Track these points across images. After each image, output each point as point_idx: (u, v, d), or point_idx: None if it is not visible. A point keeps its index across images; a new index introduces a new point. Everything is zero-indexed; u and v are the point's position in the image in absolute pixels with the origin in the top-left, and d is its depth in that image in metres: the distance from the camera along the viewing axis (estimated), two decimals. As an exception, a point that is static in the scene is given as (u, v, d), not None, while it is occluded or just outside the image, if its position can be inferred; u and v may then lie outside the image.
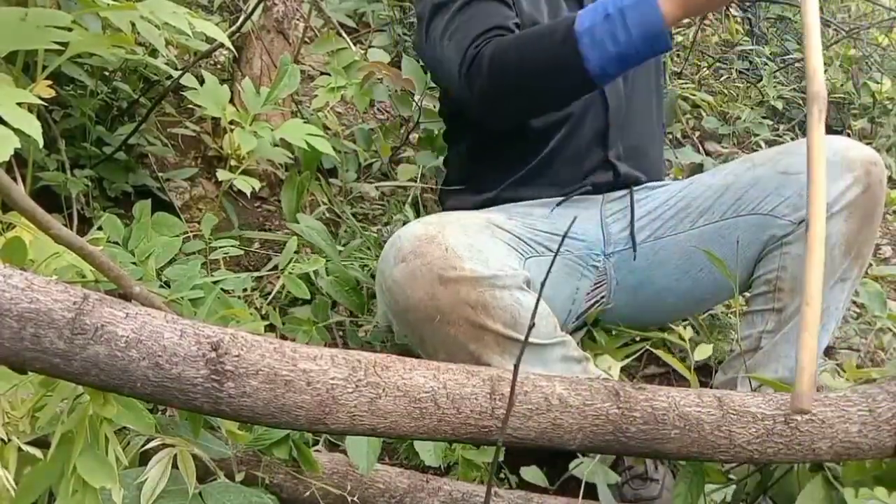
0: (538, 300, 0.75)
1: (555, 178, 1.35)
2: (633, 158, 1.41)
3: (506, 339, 1.09)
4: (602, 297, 1.38)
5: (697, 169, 2.21)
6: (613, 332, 1.44)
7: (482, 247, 1.09)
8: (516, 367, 0.77)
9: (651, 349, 1.34)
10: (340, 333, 1.50)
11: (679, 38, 3.03)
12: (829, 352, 1.68)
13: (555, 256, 0.79)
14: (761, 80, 2.94)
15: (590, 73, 1.09)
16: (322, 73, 2.16)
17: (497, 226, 1.21)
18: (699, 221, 1.33)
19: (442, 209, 1.60)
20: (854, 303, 1.34)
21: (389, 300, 1.09)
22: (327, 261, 1.45)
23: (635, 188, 1.39)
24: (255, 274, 1.49)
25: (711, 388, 1.23)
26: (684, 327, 1.17)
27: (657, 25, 1.02)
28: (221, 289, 1.24)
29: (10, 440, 0.77)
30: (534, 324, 0.75)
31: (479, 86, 1.19)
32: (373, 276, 1.59)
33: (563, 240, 0.79)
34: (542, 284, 0.77)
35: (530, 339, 1.10)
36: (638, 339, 1.41)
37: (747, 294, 1.39)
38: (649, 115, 1.45)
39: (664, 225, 1.36)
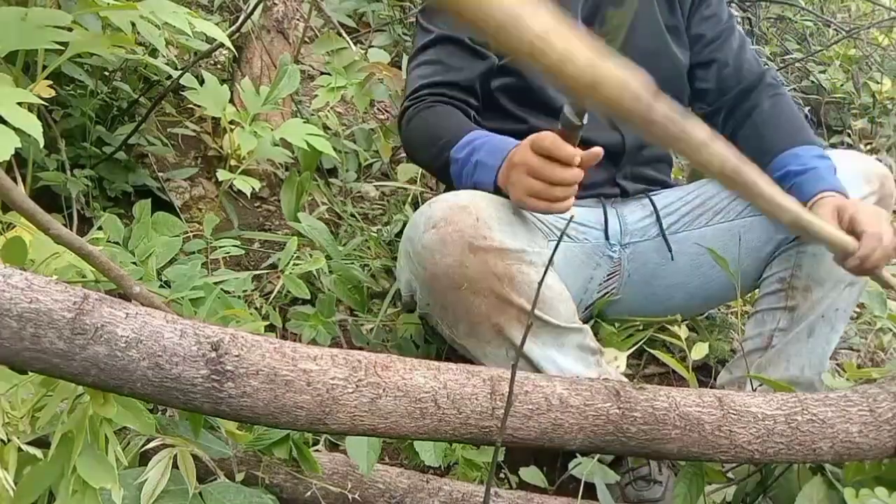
0: (545, 273, 0.78)
1: None
2: (642, 179, 1.43)
3: (528, 314, 1.09)
4: (613, 289, 1.40)
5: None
6: (617, 326, 1.44)
7: (511, 220, 1.11)
8: (514, 366, 0.77)
9: (649, 350, 1.34)
10: (343, 331, 1.50)
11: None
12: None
13: (559, 239, 0.83)
14: (761, 79, 2.94)
15: (457, 185, 1.20)
16: (322, 73, 2.16)
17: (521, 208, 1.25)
18: (714, 220, 1.36)
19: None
20: (855, 306, 1.35)
21: (417, 267, 1.09)
22: (329, 259, 1.45)
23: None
24: (255, 272, 1.49)
25: (713, 387, 1.23)
26: (679, 326, 1.17)
27: (489, 189, 1.13)
28: (222, 289, 1.24)
29: (10, 440, 0.76)
30: (536, 316, 0.76)
31: (401, 137, 1.37)
32: (373, 276, 1.59)
33: (566, 227, 0.88)
34: (550, 260, 0.79)
35: (550, 320, 1.13)
36: (641, 327, 1.42)
37: (753, 294, 1.40)
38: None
39: (679, 221, 1.38)
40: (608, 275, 1.38)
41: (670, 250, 1.37)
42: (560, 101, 1.30)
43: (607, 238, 1.36)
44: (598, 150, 1.03)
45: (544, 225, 1.25)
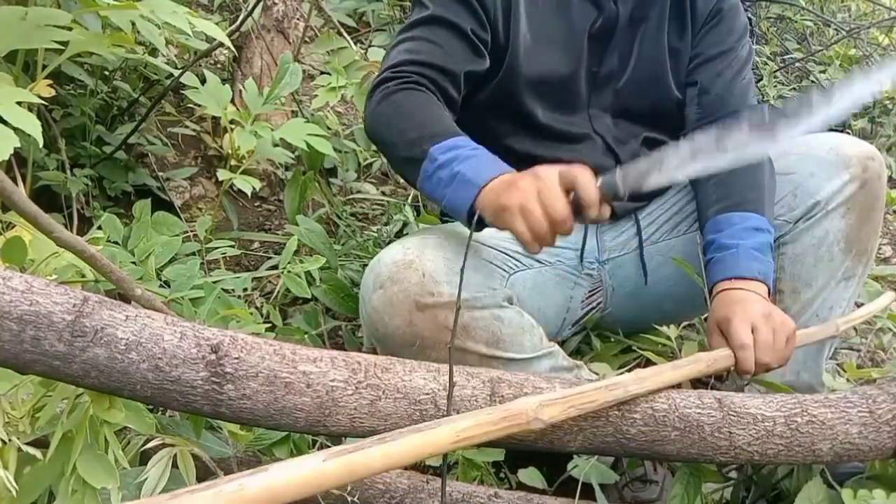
0: (459, 287, 0.74)
1: None
2: (633, 198, 1.36)
3: (489, 359, 1.08)
4: (599, 304, 1.37)
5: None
6: (612, 339, 1.43)
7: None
8: (451, 368, 0.77)
9: (641, 352, 1.32)
10: (339, 338, 1.50)
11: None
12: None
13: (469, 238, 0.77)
14: (761, 79, 2.94)
15: (418, 186, 1.11)
16: (322, 73, 2.15)
17: (482, 243, 1.18)
18: (694, 227, 1.31)
19: (440, 211, 1.60)
20: (854, 303, 1.33)
21: (370, 327, 1.08)
22: (322, 268, 1.44)
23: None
24: (255, 274, 1.49)
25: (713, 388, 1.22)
26: (670, 326, 1.16)
27: (462, 209, 1.02)
28: (222, 289, 1.24)
29: (10, 440, 0.76)
30: (460, 306, 0.78)
31: (365, 113, 1.21)
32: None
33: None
34: (462, 271, 0.78)
35: (514, 356, 1.10)
36: (635, 347, 1.40)
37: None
38: None
39: (660, 230, 1.35)
40: (590, 292, 1.35)
41: (646, 274, 1.33)
42: (543, 120, 1.26)
43: (582, 259, 1.32)
44: (607, 216, 0.95)
45: (509, 257, 1.21)
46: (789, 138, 0.87)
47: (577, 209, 0.92)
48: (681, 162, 0.90)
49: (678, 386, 0.90)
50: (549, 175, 0.94)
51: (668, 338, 1.13)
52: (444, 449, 0.65)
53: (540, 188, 0.93)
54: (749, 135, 0.87)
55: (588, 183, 0.92)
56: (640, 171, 0.92)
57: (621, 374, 0.99)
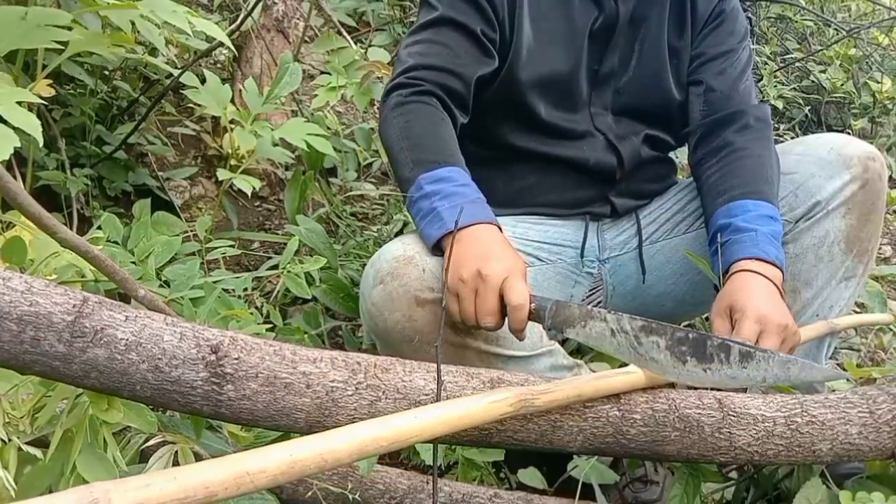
0: (444, 281, 0.75)
1: (550, 203, 1.33)
2: (637, 195, 1.38)
3: (488, 355, 1.08)
4: (599, 302, 1.37)
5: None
6: None
7: None
8: (438, 364, 0.78)
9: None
10: (339, 338, 1.50)
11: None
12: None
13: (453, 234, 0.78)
14: (761, 79, 2.94)
15: (405, 203, 1.14)
16: (322, 73, 2.15)
17: None
18: (695, 225, 1.32)
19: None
20: (854, 302, 1.32)
21: (370, 322, 1.08)
22: (322, 268, 1.44)
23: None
24: (255, 274, 1.49)
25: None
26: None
27: (429, 243, 1.06)
28: (222, 288, 1.24)
29: (10, 440, 0.76)
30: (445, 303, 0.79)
31: (380, 117, 1.24)
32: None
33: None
34: (445, 270, 0.79)
35: (514, 353, 1.10)
36: None
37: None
38: (662, 162, 1.41)
39: (660, 229, 1.35)
40: (590, 290, 1.35)
41: (644, 273, 1.34)
42: (545, 118, 1.26)
43: (582, 257, 1.33)
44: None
45: None
46: (697, 378, 0.84)
47: (506, 309, 0.96)
48: (600, 333, 0.91)
49: (673, 385, 0.90)
50: (492, 282, 0.97)
51: None
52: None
53: (479, 289, 0.97)
54: (666, 354, 0.84)
55: (520, 309, 0.94)
56: (567, 315, 0.93)
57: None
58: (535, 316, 0.95)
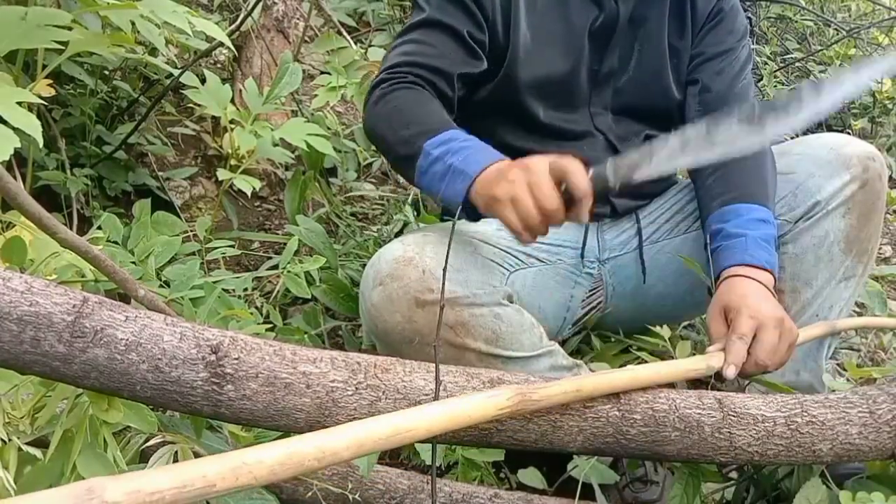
0: (443, 282, 0.73)
1: None
2: (636, 196, 1.37)
3: (488, 356, 1.08)
4: (599, 303, 1.37)
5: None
6: (612, 339, 1.42)
7: (462, 266, 1.07)
8: (437, 366, 0.77)
9: (637, 353, 1.32)
10: (339, 338, 1.50)
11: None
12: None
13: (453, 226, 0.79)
14: (761, 79, 2.94)
15: (416, 182, 1.12)
16: (322, 73, 2.15)
17: (482, 240, 1.18)
18: (695, 226, 1.31)
19: (441, 210, 1.59)
20: (854, 302, 1.32)
21: (369, 323, 1.08)
22: (322, 268, 1.44)
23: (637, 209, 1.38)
24: (255, 274, 1.49)
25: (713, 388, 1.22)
26: (662, 327, 1.16)
27: (457, 201, 1.04)
28: (222, 289, 1.24)
29: (10, 440, 0.76)
30: (444, 304, 0.78)
31: (363, 116, 1.23)
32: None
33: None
34: (444, 271, 0.78)
35: (513, 354, 1.10)
36: (634, 348, 1.40)
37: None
38: None
39: (660, 230, 1.35)
40: (590, 291, 1.35)
41: (644, 273, 1.33)
42: (545, 119, 1.26)
43: (582, 257, 1.32)
44: (586, 216, 0.94)
45: (509, 255, 1.21)
46: (779, 132, 0.87)
47: (569, 201, 0.92)
48: (671, 154, 0.89)
49: (673, 386, 0.90)
50: (539, 166, 0.94)
51: (663, 338, 1.13)
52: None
53: (530, 179, 0.93)
54: (739, 128, 0.87)
55: (579, 174, 0.91)
56: (630, 162, 0.91)
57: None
58: (596, 181, 0.91)
